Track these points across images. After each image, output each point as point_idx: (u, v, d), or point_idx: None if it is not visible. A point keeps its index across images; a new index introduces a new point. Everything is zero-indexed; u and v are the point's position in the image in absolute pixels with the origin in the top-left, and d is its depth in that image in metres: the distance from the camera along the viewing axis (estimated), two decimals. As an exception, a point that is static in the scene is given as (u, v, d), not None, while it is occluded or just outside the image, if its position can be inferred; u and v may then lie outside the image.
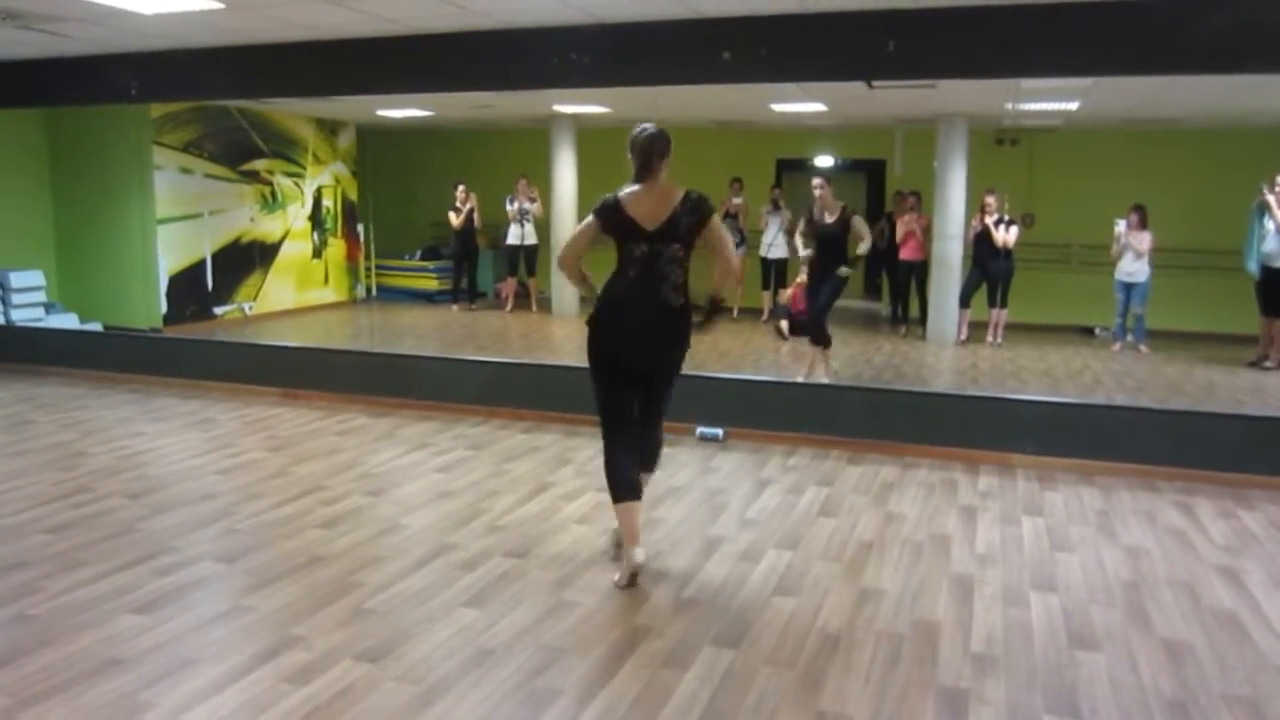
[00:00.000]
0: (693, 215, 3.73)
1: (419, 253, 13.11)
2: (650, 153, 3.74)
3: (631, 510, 3.78)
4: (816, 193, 7.07)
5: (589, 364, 3.85)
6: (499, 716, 2.77)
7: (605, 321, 3.79)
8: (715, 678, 3.01)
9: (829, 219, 7.07)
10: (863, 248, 7.09)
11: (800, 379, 7.22)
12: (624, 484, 3.80)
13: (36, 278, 9.23)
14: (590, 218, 3.82)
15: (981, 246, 9.69)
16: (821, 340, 7.27)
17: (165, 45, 6.67)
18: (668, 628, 3.36)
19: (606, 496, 4.44)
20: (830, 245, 7.11)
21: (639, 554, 3.74)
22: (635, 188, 3.76)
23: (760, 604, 3.57)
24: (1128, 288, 9.44)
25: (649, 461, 4.01)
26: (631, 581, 3.74)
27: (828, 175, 7.22)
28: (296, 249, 11.93)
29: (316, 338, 10.38)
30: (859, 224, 7.05)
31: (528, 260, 11.71)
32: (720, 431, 5.91)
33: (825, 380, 7.13)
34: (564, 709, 2.81)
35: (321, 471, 5.18)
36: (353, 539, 4.16)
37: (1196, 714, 2.86)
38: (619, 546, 3.93)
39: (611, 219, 3.76)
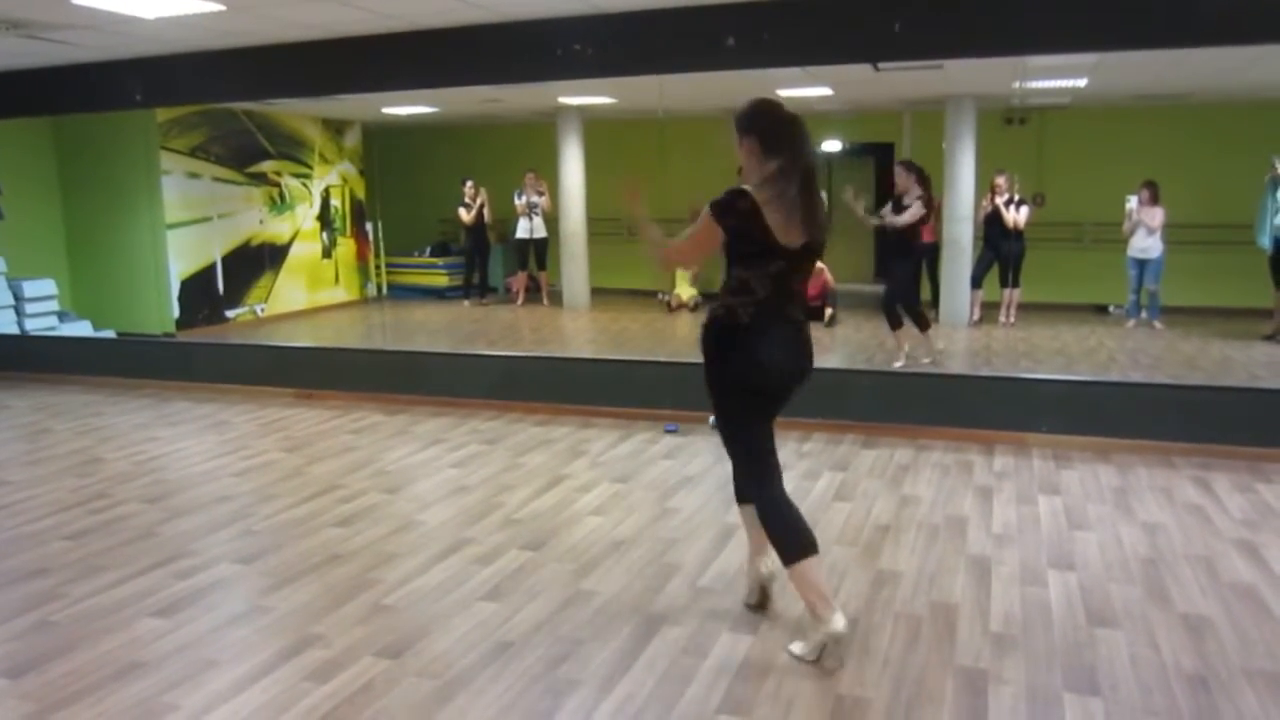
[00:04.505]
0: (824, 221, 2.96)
1: (429, 249, 13.13)
2: (805, 135, 2.89)
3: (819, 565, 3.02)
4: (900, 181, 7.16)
5: (730, 398, 3.04)
6: (519, 709, 2.78)
7: (761, 358, 2.94)
8: (733, 665, 3.01)
9: (906, 202, 7.17)
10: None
11: (898, 365, 7.29)
12: (808, 533, 3.01)
13: (49, 286, 9.27)
14: (708, 218, 2.88)
15: (992, 227, 9.63)
16: (922, 324, 7.47)
17: (168, 49, 6.69)
18: (685, 616, 3.36)
19: (621, 487, 4.41)
20: (900, 232, 7.24)
21: (841, 621, 2.97)
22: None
23: (777, 590, 3.56)
24: (1141, 264, 9.37)
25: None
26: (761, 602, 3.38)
27: (908, 162, 7.25)
28: (306, 249, 11.96)
29: (329, 338, 10.42)
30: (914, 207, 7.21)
31: (538, 254, 11.71)
32: (733, 420, 5.89)
33: (926, 360, 7.33)
34: (584, 699, 2.82)
35: (337, 470, 5.20)
36: (369, 536, 4.19)
37: (1217, 688, 2.84)
38: (763, 592, 3.39)
39: (743, 224, 2.84)
